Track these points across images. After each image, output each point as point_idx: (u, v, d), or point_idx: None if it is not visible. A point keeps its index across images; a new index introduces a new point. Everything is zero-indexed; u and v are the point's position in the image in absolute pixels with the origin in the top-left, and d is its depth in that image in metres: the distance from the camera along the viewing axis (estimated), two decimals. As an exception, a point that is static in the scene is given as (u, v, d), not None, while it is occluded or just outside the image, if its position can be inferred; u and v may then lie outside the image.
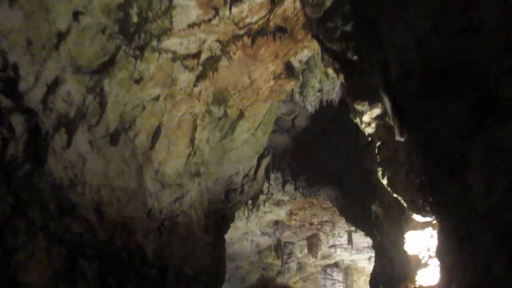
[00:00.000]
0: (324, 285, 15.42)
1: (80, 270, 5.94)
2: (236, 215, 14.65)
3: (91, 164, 5.25)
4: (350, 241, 14.23)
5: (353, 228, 14.09)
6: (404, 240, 5.03)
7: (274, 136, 8.95)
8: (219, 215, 8.16)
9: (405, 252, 5.07)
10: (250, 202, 13.01)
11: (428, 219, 4.07)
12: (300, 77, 7.00)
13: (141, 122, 5.27)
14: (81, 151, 5.08)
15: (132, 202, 5.78)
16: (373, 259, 15.90)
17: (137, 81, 4.87)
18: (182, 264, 6.81)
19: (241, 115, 6.45)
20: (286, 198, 13.31)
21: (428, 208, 3.54)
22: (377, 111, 3.84)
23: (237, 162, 7.11)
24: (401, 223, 5.50)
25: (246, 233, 15.14)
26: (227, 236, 15.69)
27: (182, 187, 6.08)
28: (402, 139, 3.34)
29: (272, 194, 13.06)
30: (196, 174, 6.19)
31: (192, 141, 5.93)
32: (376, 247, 7.93)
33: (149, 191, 5.87)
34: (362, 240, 14.35)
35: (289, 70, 6.30)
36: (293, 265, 15.55)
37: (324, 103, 7.48)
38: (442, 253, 3.86)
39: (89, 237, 5.75)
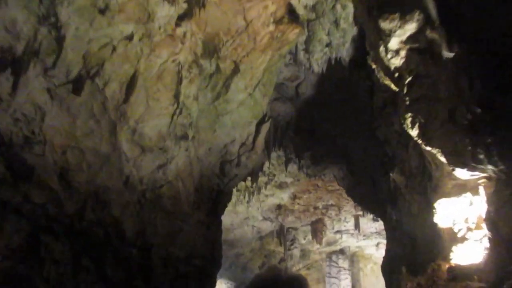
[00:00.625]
0: (329, 273, 14.45)
1: (46, 249, 4.99)
2: (236, 198, 13.71)
3: (52, 119, 4.25)
4: (357, 226, 13.23)
5: (360, 213, 13.07)
6: (434, 211, 4.02)
7: (275, 104, 7.93)
8: (214, 191, 7.18)
9: (434, 225, 4.06)
10: (249, 180, 12.07)
11: (475, 175, 3.05)
12: (306, 30, 5.96)
13: (112, 67, 4.25)
14: (38, 102, 4.07)
15: (105, 168, 4.79)
16: (381, 245, 14.89)
17: (102, 11, 3.84)
18: (169, 244, 5.84)
19: (236, 70, 5.42)
20: (289, 180, 12.32)
21: (482, 156, 2.54)
22: (410, 27, 2.81)
23: (232, 128, 6.09)
24: (427, 192, 4.50)
25: (247, 218, 14.16)
26: (226, 222, 14.75)
27: (165, 152, 5.08)
28: (451, 54, 2.33)
29: (274, 175, 12.06)
30: (182, 137, 5.18)
31: (176, 96, 4.91)
32: (391, 227, 6.93)
33: (125, 156, 4.87)
34: (370, 225, 13.35)
35: (292, 15, 5.26)
36: (296, 252, 14.58)
37: (333, 61, 6.43)
38: (496, 219, 2.87)
39: (55, 210, 4.77)
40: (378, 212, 8.92)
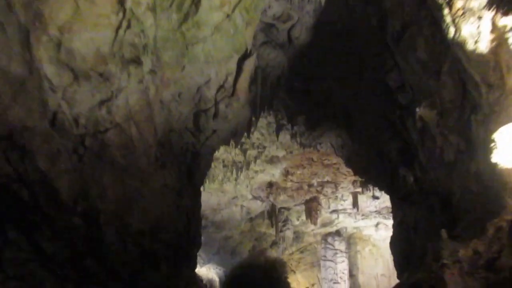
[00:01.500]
0: (325, 256, 13.19)
1: None
2: (223, 175, 12.32)
3: None
4: (355, 204, 11.92)
5: (359, 189, 11.75)
6: (493, 145, 2.66)
7: (263, 50, 6.47)
8: (188, 152, 5.76)
9: (493, 166, 2.70)
10: (237, 154, 10.66)
11: None
12: None
13: None
14: None
15: (20, 100, 3.34)
16: (381, 225, 13.62)
17: None
18: (124, 213, 4.42)
19: (208, -23, 3.97)
20: (281, 153, 10.93)
21: None
22: None
23: (206, 64, 4.64)
24: (469, 129, 3.15)
25: (235, 197, 12.77)
26: (213, 202, 13.34)
27: (108, 81, 3.62)
28: None
29: (264, 147, 10.66)
30: (132, 61, 3.73)
31: (121, 1, 3.47)
32: (405, 194, 5.59)
33: (49, 83, 3.40)
34: (369, 203, 12.05)
35: None
36: (289, 234, 13.27)
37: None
38: None
39: None
40: (383, 182, 7.59)
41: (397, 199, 5.94)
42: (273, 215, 13.05)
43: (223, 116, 5.21)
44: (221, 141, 5.94)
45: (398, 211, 6.39)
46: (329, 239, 13.12)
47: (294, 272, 14.48)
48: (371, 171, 7.85)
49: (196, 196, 6.56)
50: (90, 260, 4.41)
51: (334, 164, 11.10)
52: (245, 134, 8.06)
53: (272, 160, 11.40)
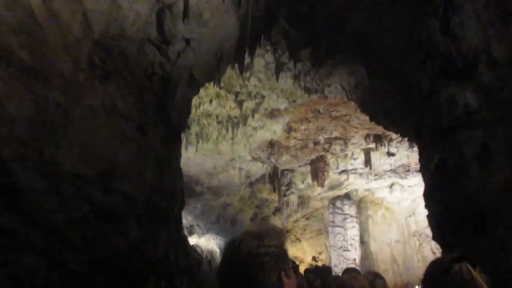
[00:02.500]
0: (333, 221, 11.80)
1: None
2: (217, 133, 10.82)
3: None
4: (367, 163, 10.41)
5: (372, 145, 10.21)
6: None
7: None
8: (156, 77, 4.20)
9: None
10: (231, 107, 9.18)
11: None
12: None
13: None
14: None
15: None
16: (396, 186, 12.13)
17: None
18: (43, 143, 2.93)
19: None
20: (282, 105, 9.36)
21: None
22: None
23: None
24: None
25: (233, 159, 11.29)
26: (208, 165, 11.87)
27: None
28: None
29: (263, 97, 9.07)
30: None
31: None
32: (438, 139, 4.04)
33: None
34: (384, 161, 10.52)
35: None
36: (293, 199, 11.85)
37: None
38: None
39: None
40: (409, 124, 6.03)
41: (438, 135, 4.39)
42: (275, 178, 11.61)
43: (196, 15, 3.60)
44: (200, 61, 4.35)
45: (432, 154, 4.86)
46: (338, 203, 11.70)
47: (300, 241, 13.20)
48: (394, 111, 6.27)
49: (173, 140, 5.04)
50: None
51: (344, 116, 9.52)
52: (238, 73, 6.49)
53: (273, 114, 9.84)
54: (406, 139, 9.96)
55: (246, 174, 11.76)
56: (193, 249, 9.32)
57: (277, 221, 13.20)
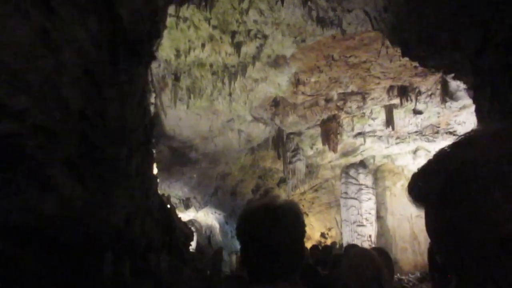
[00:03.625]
0: (346, 193, 10.19)
1: None
2: (211, 87, 9.14)
3: None
4: (389, 122, 8.69)
5: (395, 101, 8.49)
6: None
7: None
8: None
9: None
10: (226, 54, 7.57)
11: None
12: None
13: None
14: None
15: None
16: (420, 152, 10.40)
17: None
18: None
19: None
20: (289, 50, 7.60)
21: None
22: None
23: None
24: None
25: (231, 120, 9.62)
26: (202, 127, 10.20)
27: None
28: None
29: (265, 38, 7.31)
30: None
31: None
32: None
33: None
34: (408, 120, 8.78)
35: None
36: (300, 167, 10.22)
37: None
38: None
39: None
40: (462, 53, 4.29)
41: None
42: (280, 143, 9.97)
43: None
44: None
45: (505, 95, 3.17)
46: (352, 172, 10.07)
47: (307, 215, 11.67)
48: (440, 33, 4.52)
49: (126, 57, 3.38)
50: None
51: (363, 63, 7.76)
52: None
53: (277, 62, 8.10)
54: (437, 92, 8.23)
55: (247, 138, 10.13)
56: (181, 221, 7.81)
57: (282, 193, 11.64)
